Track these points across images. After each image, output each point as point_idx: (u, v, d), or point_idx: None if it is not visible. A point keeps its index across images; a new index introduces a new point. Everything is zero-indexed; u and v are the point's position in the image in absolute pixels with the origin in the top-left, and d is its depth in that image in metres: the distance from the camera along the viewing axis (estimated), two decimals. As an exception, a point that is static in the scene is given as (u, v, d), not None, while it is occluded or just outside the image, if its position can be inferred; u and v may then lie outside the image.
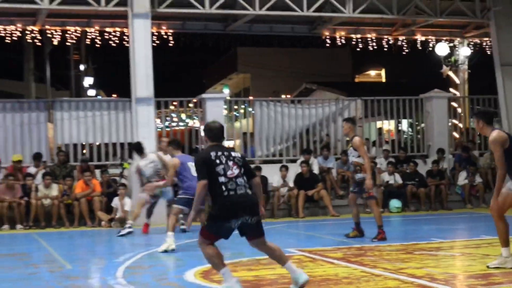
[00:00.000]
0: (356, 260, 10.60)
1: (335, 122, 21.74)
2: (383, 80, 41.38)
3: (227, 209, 7.71)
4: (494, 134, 9.01)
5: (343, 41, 23.46)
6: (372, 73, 41.93)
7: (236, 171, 7.89)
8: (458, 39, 23.97)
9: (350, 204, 13.79)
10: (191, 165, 12.16)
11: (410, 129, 24.21)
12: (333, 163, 20.06)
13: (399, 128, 23.76)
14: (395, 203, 18.82)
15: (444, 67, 23.92)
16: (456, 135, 23.21)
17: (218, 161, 7.87)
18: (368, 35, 23.13)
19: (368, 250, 11.75)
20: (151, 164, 15.05)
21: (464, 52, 24.17)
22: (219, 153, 7.99)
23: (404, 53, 24.53)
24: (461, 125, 23.63)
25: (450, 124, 22.30)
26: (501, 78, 20.44)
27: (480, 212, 18.51)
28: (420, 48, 24.37)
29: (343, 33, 23.06)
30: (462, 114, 23.20)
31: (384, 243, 12.48)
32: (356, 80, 40.67)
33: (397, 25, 22.52)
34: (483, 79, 25.27)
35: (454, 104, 23.26)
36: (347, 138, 14.15)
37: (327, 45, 24.24)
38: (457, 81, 24.27)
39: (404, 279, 8.88)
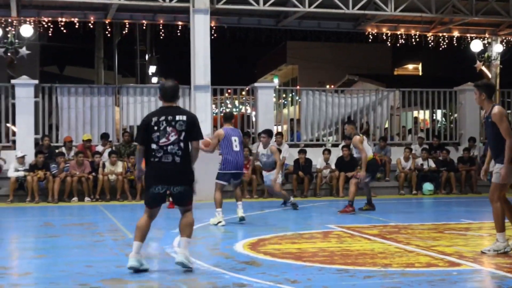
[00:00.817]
0: (391, 237, 10.54)
1: (374, 111, 21.69)
2: (420, 73, 40.91)
3: (150, 176, 7.52)
4: (498, 107, 8.75)
5: (384, 37, 23.26)
6: (410, 66, 41.49)
7: (172, 137, 7.47)
8: (492, 36, 23.55)
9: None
10: (234, 140, 11.99)
11: (443, 119, 23.89)
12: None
13: (434, 117, 23.53)
14: (428, 186, 18.67)
15: (478, 62, 23.57)
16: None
17: (155, 128, 7.47)
18: (408, 32, 22.90)
19: (402, 228, 11.67)
20: None
21: (497, 48, 23.74)
22: (162, 118, 7.53)
23: (440, 49, 24.21)
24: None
25: (480, 115, 21.97)
26: (530, 74, 20.07)
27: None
28: (456, 44, 24.02)
29: (384, 29, 22.86)
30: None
31: (416, 223, 12.41)
32: (395, 73, 40.25)
33: (435, 23, 22.22)
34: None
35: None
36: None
37: (369, 40, 24.02)
38: (489, 75, 23.86)
39: (435, 256, 8.81)
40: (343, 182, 18.20)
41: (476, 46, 23.23)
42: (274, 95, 21.15)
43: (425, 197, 18.45)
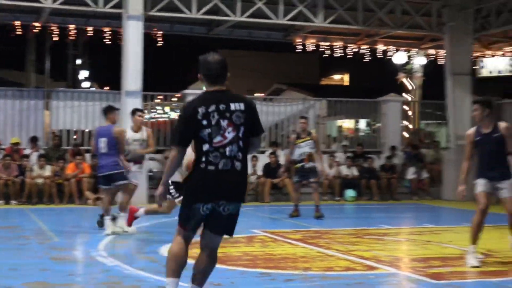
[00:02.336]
0: (312, 242, 10.69)
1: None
2: (346, 83, 41.52)
3: (196, 188, 5.37)
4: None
5: (313, 48, 23.51)
6: (337, 77, 42.09)
7: (230, 134, 5.33)
8: (415, 49, 24.08)
9: (295, 190, 14.77)
10: (102, 141, 11.06)
11: (367, 128, 24.33)
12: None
13: (357, 126, 23.90)
14: (350, 193, 18.89)
15: (400, 74, 24.13)
16: (406, 134, 23.39)
17: (205, 122, 5.30)
18: (335, 43, 23.20)
19: (323, 233, 11.85)
20: None
21: (419, 61, 24.31)
22: (212, 108, 5.33)
23: (366, 60, 24.61)
24: (411, 126, 23.83)
25: (402, 124, 22.49)
26: (450, 86, 20.57)
27: (425, 203, 18.73)
28: (381, 56, 24.49)
29: (313, 40, 23.12)
30: (412, 116, 23.33)
31: (338, 228, 12.63)
32: (322, 82, 40.75)
33: (362, 35, 22.58)
34: (434, 85, 25.44)
35: (406, 108, 23.45)
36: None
37: (298, 50, 24.23)
38: (411, 86, 24.43)
39: (354, 260, 9.00)
40: (268, 188, 18.31)
41: (399, 58, 23.77)
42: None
43: (347, 203, 18.71)
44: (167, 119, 22.29)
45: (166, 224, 11.96)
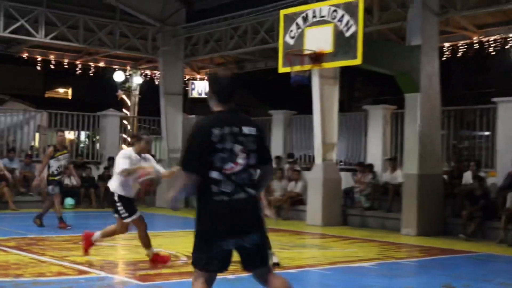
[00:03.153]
0: (27, 248, 10.15)
1: (22, 129, 20.82)
2: (70, 97, 40.43)
3: (212, 225, 4.42)
4: None
5: (38, 61, 22.45)
6: (61, 90, 40.77)
7: (242, 161, 4.47)
8: (133, 69, 24.18)
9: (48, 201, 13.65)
10: None
11: (87, 140, 23.83)
12: (18, 164, 19.01)
13: (79, 138, 23.36)
14: (69, 201, 18.30)
15: (120, 91, 24.09)
16: (124, 147, 23.28)
17: (220, 146, 4.40)
18: (59, 58, 22.46)
19: (39, 240, 11.31)
20: None
21: (136, 80, 24.47)
22: (226, 130, 4.45)
23: (88, 76, 24.10)
24: (129, 139, 23.86)
25: (120, 137, 22.43)
26: (164, 104, 20.99)
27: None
28: (102, 73, 24.22)
29: (35, 54, 22.14)
30: (130, 130, 23.36)
31: (54, 234, 12.13)
32: (46, 95, 39.12)
33: (83, 52, 22.13)
34: (151, 103, 25.75)
35: (125, 122, 23.45)
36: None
37: (21, 63, 22.99)
38: (129, 103, 24.47)
39: (67, 265, 8.70)
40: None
41: (118, 76, 23.76)
42: None
43: (66, 210, 18.04)
44: None
45: None
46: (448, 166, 15.83)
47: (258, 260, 4.57)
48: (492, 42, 17.31)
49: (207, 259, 4.42)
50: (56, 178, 13.19)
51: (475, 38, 17.18)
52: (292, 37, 13.12)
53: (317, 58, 12.53)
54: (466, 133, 17.04)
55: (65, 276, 7.97)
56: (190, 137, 4.54)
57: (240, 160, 4.46)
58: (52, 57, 22.31)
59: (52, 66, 22.81)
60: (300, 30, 13.00)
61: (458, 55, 18.31)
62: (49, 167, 13.12)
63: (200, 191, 4.46)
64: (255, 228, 4.51)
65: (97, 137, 22.53)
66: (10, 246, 10.38)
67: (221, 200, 4.39)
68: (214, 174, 4.40)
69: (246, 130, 4.54)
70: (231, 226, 4.39)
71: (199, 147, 4.41)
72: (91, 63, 23.25)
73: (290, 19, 13.19)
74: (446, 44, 17.60)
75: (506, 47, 18.01)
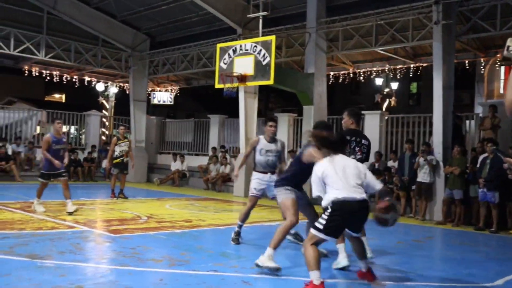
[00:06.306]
0: (28, 210, 9.77)
1: (26, 123, 20.09)
2: (64, 101, 39.01)
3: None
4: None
5: (39, 73, 21.59)
6: (57, 95, 39.28)
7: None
8: (111, 82, 23.64)
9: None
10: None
11: (76, 132, 23.13)
12: (23, 149, 18.27)
13: (69, 131, 22.70)
14: (62, 176, 17.70)
15: (101, 97, 23.51)
16: (103, 137, 22.77)
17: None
18: (55, 72, 21.68)
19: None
20: None
21: (113, 90, 23.97)
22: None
23: (78, 85, 23.35)
24: (107, 132, 23.33)
25: (100, 131, 21.89)
26: (133, 108, 20.63)
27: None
28: (88, 84, 23.51)
29: (38, 68, 21.31)
30: (108, 126, 22.78)
31: (50, 200, 11.38)
32: (46, 99, 37.61)
33: (74, 68, 21.45)
34: (123, 107, 25.26)
35: (104, 120, 22.90)
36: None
37: (27, 74, 22.05)
38: (107, 106, 23.91)
39: (58, 222, 8.49)
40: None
41: (100, 87, 23.23)
42: None
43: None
44: None
45: None
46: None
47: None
48: (362, 73, 17.91)
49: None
50: (119, 160, 12.56)
51: (350, 69, 17.74)
52: (225, 63, 13.17)
53: (242, 78, 12.62)
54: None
55: (56, 230, 7.78)
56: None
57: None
58: (50, 71, 21.54)
59: (50, 78, 22.02)
60: (231, 58, 13.05)
61: (339, 81, 18.86)
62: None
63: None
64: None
65: (83, 130, 21.92)
66: (16, 208, 10.03)
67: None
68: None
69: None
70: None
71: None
72: (79, 76, 22.57)
73: (224, 51, 13.22)
74: (332, 73, 18.09)
75: (372, 76, 18.69)
